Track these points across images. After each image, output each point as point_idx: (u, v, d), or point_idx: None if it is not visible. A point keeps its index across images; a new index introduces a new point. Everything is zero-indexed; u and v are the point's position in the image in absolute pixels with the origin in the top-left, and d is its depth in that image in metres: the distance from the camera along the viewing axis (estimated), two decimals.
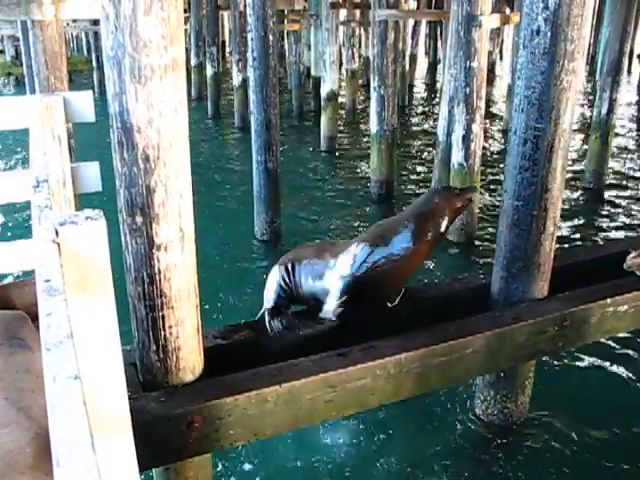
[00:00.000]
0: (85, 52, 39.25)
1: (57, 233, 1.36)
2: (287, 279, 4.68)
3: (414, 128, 19.97)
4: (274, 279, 4.76)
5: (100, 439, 1.44)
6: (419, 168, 15.15)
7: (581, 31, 4.28)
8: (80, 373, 1.15)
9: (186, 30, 30.06)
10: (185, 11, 27.08)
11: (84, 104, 3.52)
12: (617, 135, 16.19)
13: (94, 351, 1.44)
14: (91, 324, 1.42)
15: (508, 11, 14.98)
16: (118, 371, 1.49)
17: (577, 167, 14.75)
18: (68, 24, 28.51)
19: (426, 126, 20.09)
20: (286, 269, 4.69)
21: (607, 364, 6.84)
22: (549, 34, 4.27)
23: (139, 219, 3.41)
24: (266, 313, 4.68)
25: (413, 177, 14.34)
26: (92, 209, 1.59)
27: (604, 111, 12.48)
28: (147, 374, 3.77)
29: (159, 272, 3.51)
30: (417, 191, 13.28)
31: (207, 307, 4.13)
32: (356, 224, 11.51)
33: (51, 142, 3.32)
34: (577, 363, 6.70)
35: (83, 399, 1.03)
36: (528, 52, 4.41)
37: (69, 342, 1.07)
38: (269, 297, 4.77)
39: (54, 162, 3.31)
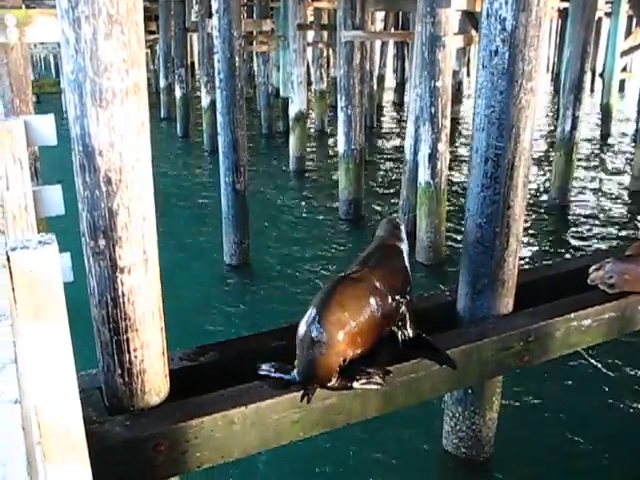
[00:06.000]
0: (53, 73, 38.99)
1: (8, 258, 1.37)
2: None
3: (382, 147, 20.12)
4: None
5: (53, 464, 1.44)
6: (387, 187, 15.26)
7: (538, 51, 4.38)
8: (30, 398, 1.15)
9: (155, 52, 30.08)
10: (154, 33, 27.10)
11: (46, 127, 3.52)
12: (582, 152, 16.46)
13: (47, 376, 1.45)
14: (44, 348, 1.42)
15: (474, 32, 15.18)
16: (72, 395, 1.49)
17: (544, 183, 14.99)
18: (36, 46, 28.37)
19: (394, 145, 20.25)
20: None
21: (574, 378, 6.92)
22: (507, 55, 4.36)
23: (102, 242, 3.39)
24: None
25: (381, 196, 14.44)
26: (46, 233, 1.59)
27: (567, 128, 12.71)
28: (112, 398, 3.73)
29: (123, 295, 3.49)
30: (385, 210, 13.38)
31: (173, 329, 4.11)
32: (325, 244, 11.54)
33: (12, 166, 3.31)
34: (545, 378, 6.77)
35: (22, 424, 1.03)
36: (487, 72, 4.50)
37: (12, 367, 1.07)
38: None
39: (15, 186, 3.30)
